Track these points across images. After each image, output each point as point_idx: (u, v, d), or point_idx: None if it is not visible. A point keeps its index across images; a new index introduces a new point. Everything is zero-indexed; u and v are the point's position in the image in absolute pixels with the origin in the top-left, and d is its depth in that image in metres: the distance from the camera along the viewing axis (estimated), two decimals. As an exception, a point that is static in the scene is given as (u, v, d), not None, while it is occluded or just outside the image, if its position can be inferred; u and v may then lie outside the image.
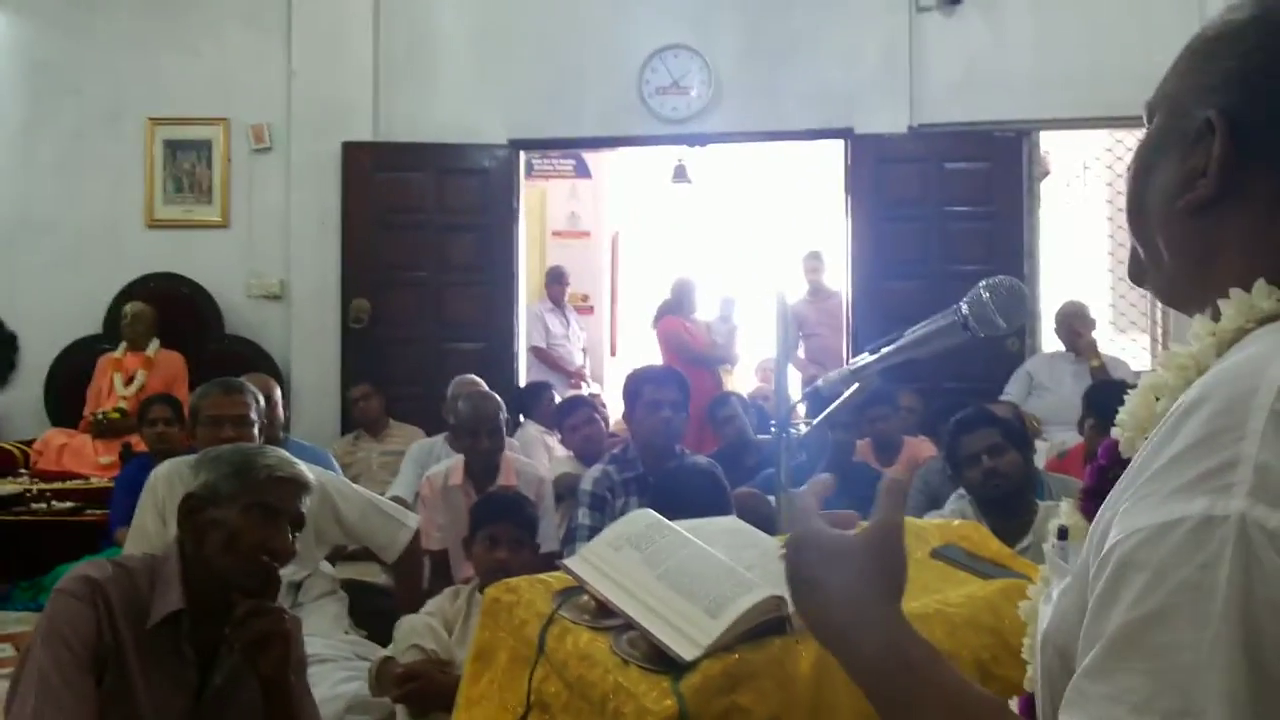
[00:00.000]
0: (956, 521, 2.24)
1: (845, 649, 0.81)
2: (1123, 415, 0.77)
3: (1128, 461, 0.73)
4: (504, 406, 3.81)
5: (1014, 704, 0.91)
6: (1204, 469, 0.59)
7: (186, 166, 5.91)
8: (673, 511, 1.68)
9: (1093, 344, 5.03)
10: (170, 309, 5.58)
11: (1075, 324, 4.99)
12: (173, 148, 5.88)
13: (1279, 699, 0.56)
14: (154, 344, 5.43)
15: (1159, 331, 5.59)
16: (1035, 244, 5.51)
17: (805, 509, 0.89)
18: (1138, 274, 0.83)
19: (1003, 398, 4.82)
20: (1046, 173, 5.91)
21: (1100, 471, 0.79)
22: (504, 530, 2.76)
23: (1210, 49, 0.76)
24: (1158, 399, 0.73)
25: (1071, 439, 4.08)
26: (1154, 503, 0.61)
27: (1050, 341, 5.44)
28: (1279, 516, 0.57)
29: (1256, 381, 0.61)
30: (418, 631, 2.63)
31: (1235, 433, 0.60)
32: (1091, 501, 0.78)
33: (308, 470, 1.87)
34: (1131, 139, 5.76)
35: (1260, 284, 0.70)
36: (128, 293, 5.70)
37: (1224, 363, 0.68)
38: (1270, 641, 0.56)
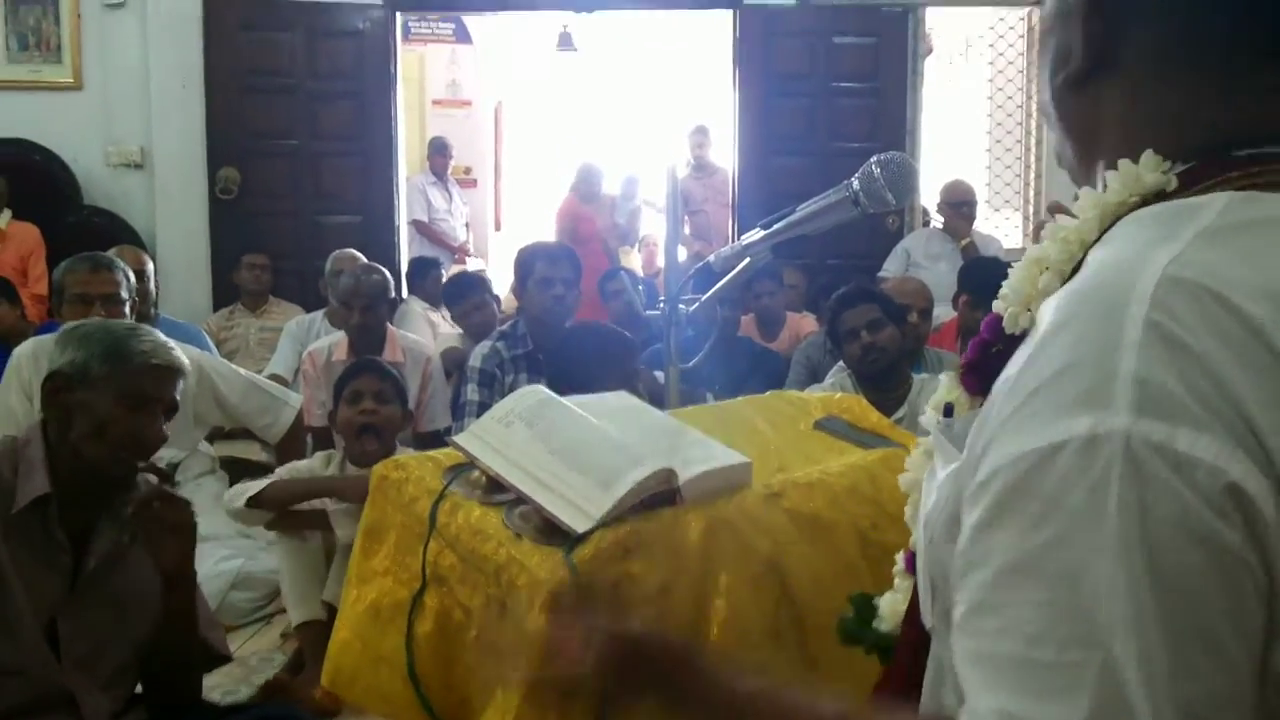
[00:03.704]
0: (838, 394, 2.31)
1: None
2: (1005, 289, 0.75)
3: (1009, 336, 0.73)
4: (390, 282, 3.72)
5: (901, 559, 0.94)
6: (1083, 386, 0.56)
7: (31, 22, 5.44)
8: (570, 374, 1.67)
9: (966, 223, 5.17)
10: (21, 178, 5.20)
11: (964, 210, 5.10)
12: (14, 1, 5.40)
13: (1187, 614, 0.53)
14: (5, 215, 5.08)
15: (1031, 210, 5.77)
16: (918, 122, 5.58)
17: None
18: (1060, 158, 0.80)
19: (881, 274, 4.93)
20: (930, 50, 5.94)
21: (982, 345, 0.77)
22: (366, 383, 2.73)
23: None
24: (1041, 272, 0.71)
25: (946, 314, 4.22)
26: (1035, 425, 0.57)
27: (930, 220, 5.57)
28: (1164, 429, 0.54)
29: (1128, 290, 0.58)
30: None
31: (1111, 346, 0.56)
32: (972, 375, 0.78)
33: (183, 354, 1.79)
34: (1014, 17, 5.82)
35: (1148, 155, 0.68)
36: (-28, 160, 5.30)
37: (1089, 269, 0.65)
38: (1172, 559, 0.53)
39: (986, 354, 0.75)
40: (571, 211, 6.87)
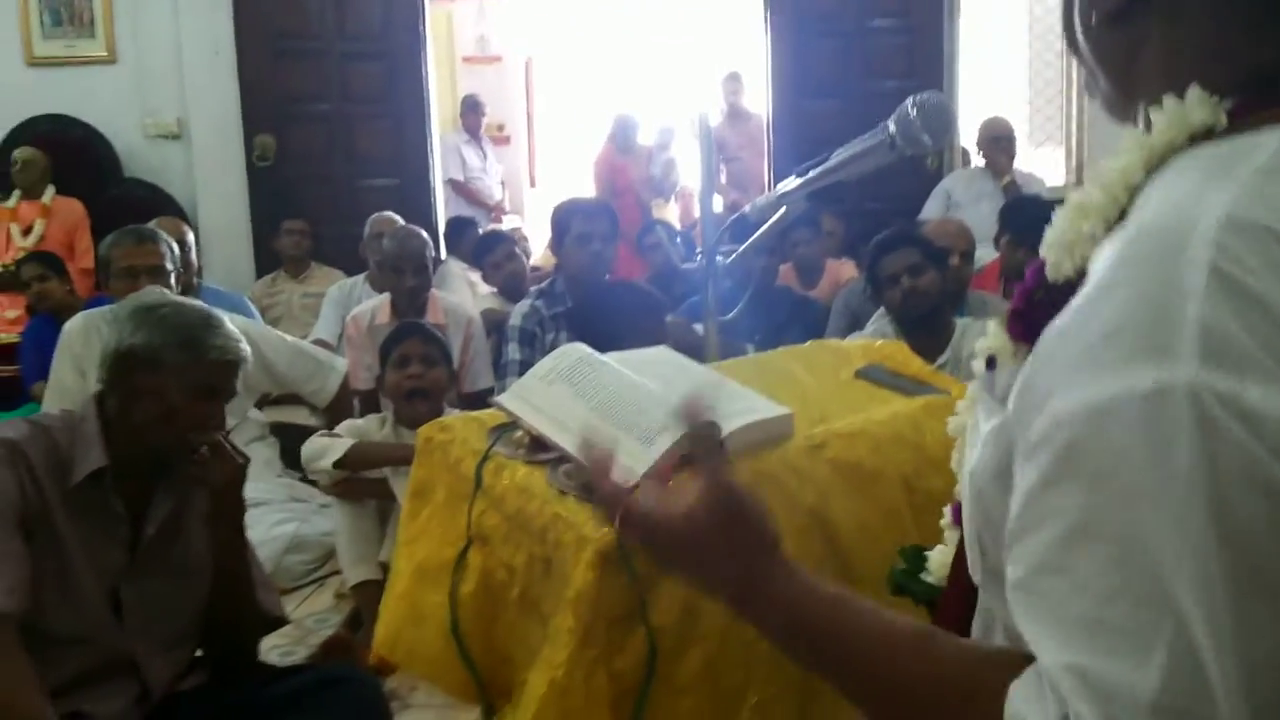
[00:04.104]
0: (879, 341, 2.28)
1: (751, 624, 0.77)
2: (1049, 236, 0.71)
3: (1054, 286, 0.70)
4: (431, 244, 3.74)
5: (948, 511, 0.93)
6: (1145, 336, 0.54)
7: (62, -4, 5.49)
8: (608, 331, 1.67)
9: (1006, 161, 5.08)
10: (62, 153, 5.26)
11: (1003, 145, 5.01)
12: (44, -24, 5.45)
13: (1252, 572, 0.52)
14: (49, 191, 5.15)
15: (1074, 144, 5.64)
16: (955, 58, 5.46)
17: (634, 507, 0.80)
18: (1091, 89, 0.77)
19: (922, 216, 4.86)
20: (966, -17, 5.80)
21: (1027, 294, 0.74)
22: (412, 347, 2.77)
23: None
24: (1085, 218, 0.68)
25: (989, 255, 4.15)
26: (1096, 378, 0.56)
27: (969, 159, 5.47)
28: (1232, 380, 0.52)
29: (1188, 234, 0.56)
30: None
31: (1174, 293, 0.54)
32: (1018, 324, 0.75)
33: (244, 341, 1.81)
34: (1052, -54, 5.65)
35: (1195, 90, 0.64)
36: (14, 138, 5.35)
37: (1145, 209, 0.63)
38: (1240, 515, 0.52)
39: (1032, 301, 0.73)
40: (609, 161, 6.84)
